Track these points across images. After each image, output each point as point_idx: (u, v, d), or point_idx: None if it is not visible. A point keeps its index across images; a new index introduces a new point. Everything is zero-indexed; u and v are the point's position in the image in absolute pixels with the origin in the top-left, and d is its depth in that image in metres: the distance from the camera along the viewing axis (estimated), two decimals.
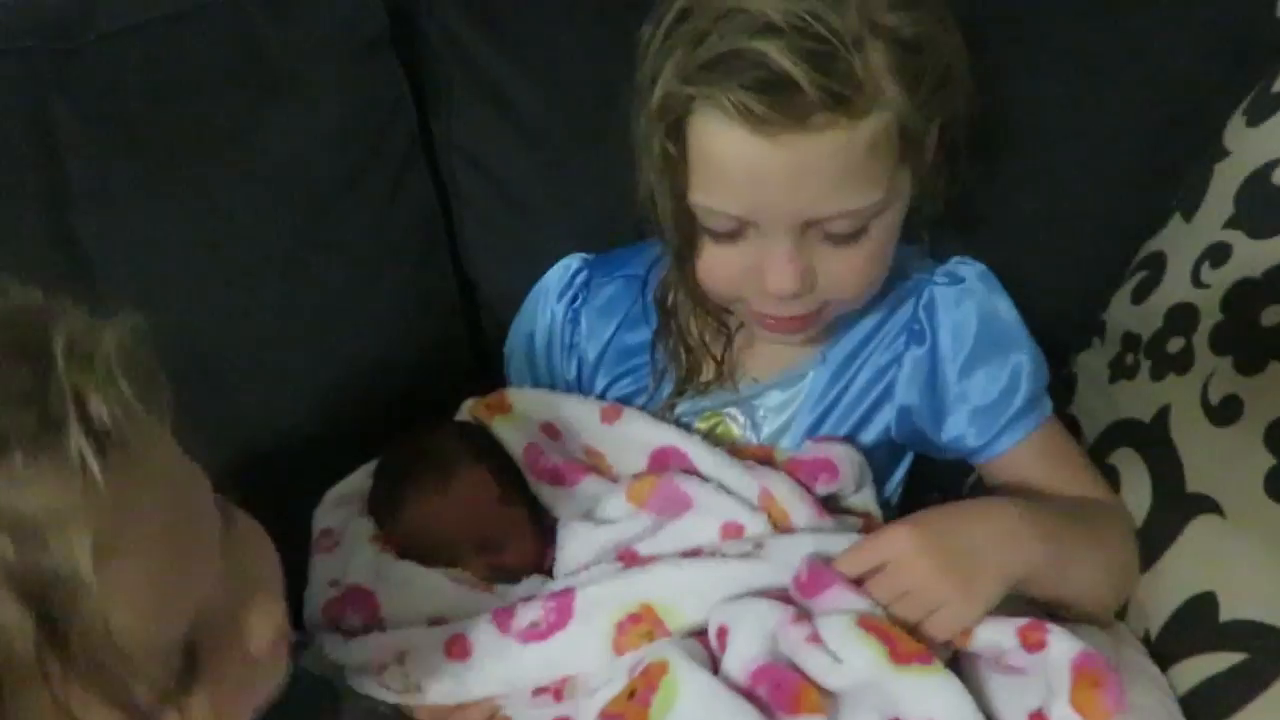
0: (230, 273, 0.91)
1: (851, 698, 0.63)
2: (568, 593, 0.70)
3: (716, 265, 0.75)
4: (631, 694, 0.64)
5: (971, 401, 0.82)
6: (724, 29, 0.66)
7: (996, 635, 0.66)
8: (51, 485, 0.40)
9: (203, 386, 0.97)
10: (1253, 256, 0.80)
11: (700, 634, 0.68)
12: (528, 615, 0.70)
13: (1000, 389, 0.82)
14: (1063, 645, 0.63)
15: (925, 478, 0.92)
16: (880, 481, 0.87)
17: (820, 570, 0.67)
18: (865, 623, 0.64)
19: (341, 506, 0.87)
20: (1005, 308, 0.85)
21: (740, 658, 0.64)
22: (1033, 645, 0.65)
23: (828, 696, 0.62)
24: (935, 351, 0.83)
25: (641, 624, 0.68)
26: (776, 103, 0.64)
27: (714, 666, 0.66)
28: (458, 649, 0.70)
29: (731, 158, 0.68)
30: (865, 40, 0.66)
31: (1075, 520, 0.75)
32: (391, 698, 0.73)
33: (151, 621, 0.43)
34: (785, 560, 0.69)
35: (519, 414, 0.87)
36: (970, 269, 0.85)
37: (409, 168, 0.99)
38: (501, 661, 0.69)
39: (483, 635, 0.70)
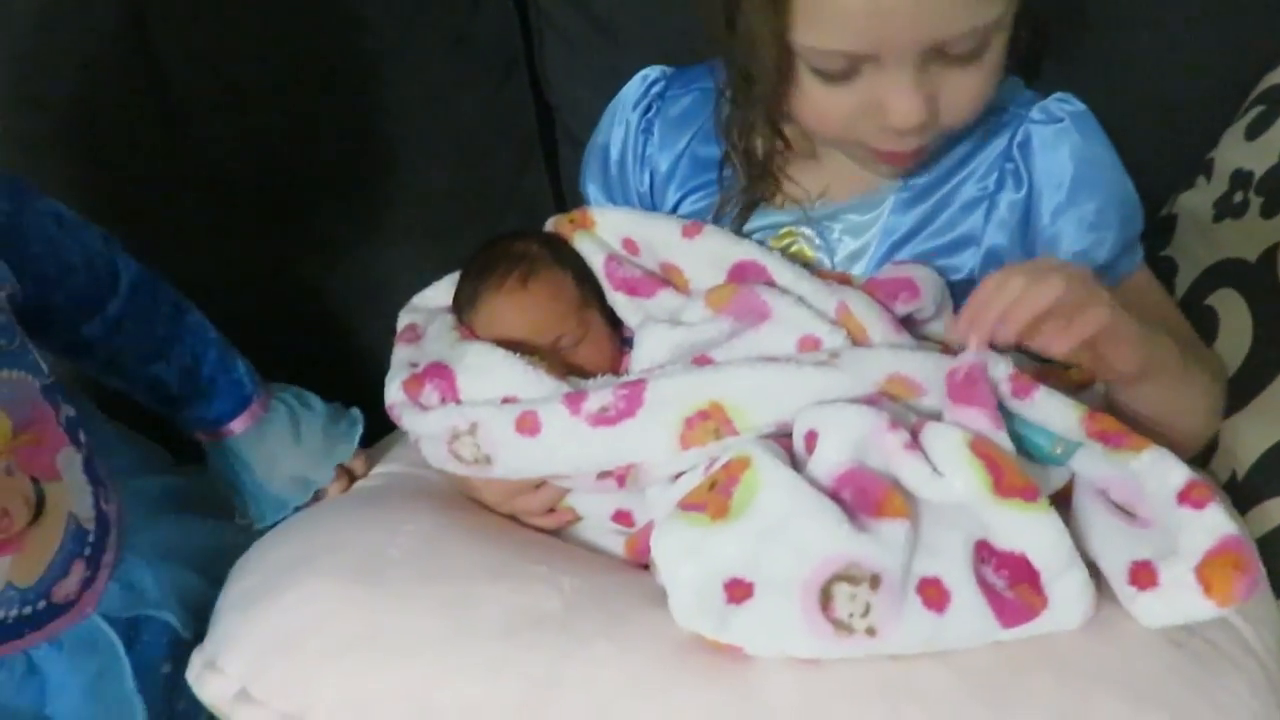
0: (300, 88, 0.91)
1: (939, 512, 0.61)
2: (639, 383, 0.70)
3: (827, 107, 0.71)
4: (713, 485, 0.63)
5: (1062, 246, 0.79)
6: None
7: (1163, 467, 0.62)
8: None
9: (277, 200, 0.98)
10: None
11: (776, 437, 0.68)
12: (598, 400, 0.70)
13: (1093, 236, 0.78)
14: (1219, 518, 0.59)
15: None
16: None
17: (976, 384, 0.64)
18: (979, 446, 0.61)
19: (424, 308, 0.89)
20: (1103, 151, 0.80)
21: (827, 462, 0.63)
22: (1192, 501, 0.60)
23: (912, 504, 0.61)
24: (1030, 196, 0.79)
25: (710, 420, 0.68)
26: None
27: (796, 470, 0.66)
28: (528, 425, 0.71)
29: None
30: None
31: (1171, 342, 0.72)
32: (461, 469, 0.74)
33: None
34: (860, 372, 0.68)
35: (601, 229, 0.86)
36: (1069, 107, 0.80)
37: None
38: (569, 442, 0.70)
39: (553, 415, 0.70)
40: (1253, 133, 0.86)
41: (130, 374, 0.84)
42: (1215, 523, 0.60)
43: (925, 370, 0.68)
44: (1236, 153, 0.87)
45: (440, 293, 0.89)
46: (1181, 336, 0.79)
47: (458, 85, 0.99)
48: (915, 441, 0.63)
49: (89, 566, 0.72)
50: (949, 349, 0.78)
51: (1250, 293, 0.80)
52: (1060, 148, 0.78)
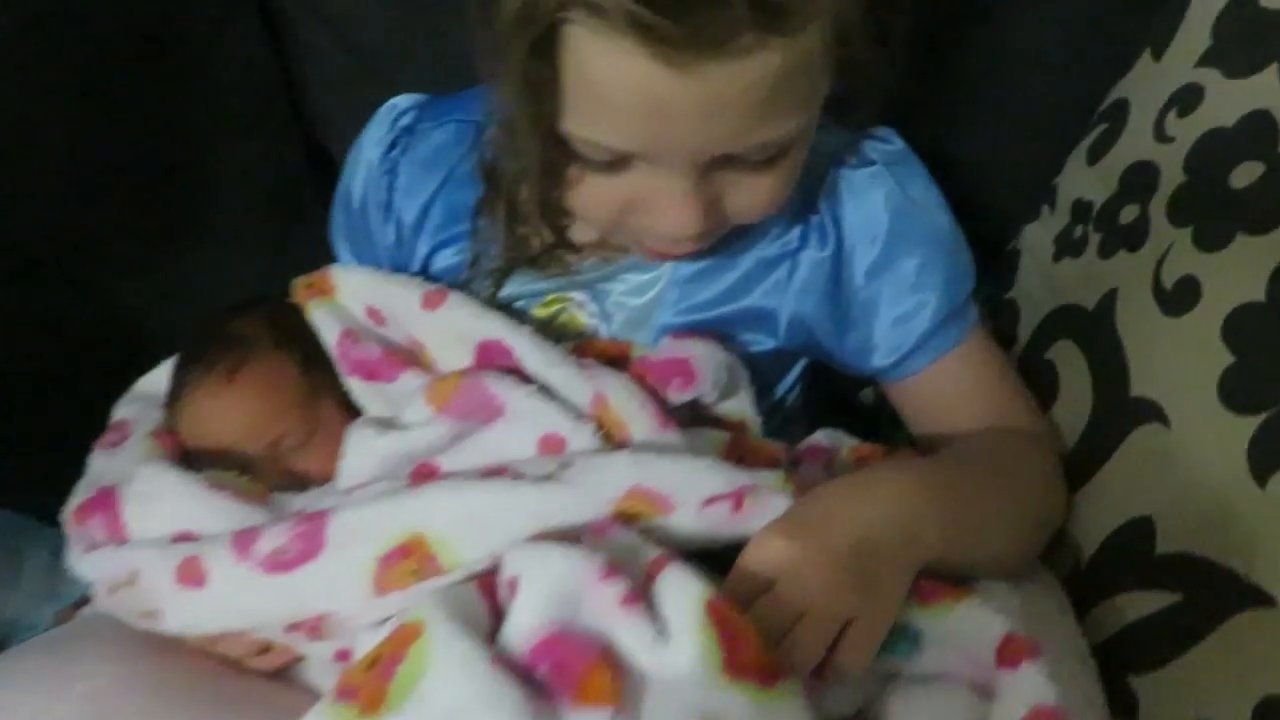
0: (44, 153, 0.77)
1: (662, 690, 0.47)
2: (320, 516, 0.57)
3: (595, 198, 0.59)
4: (373, 663, 0.50)
5: (880, 312, 0.68)
6: None
7: (980, 618, 0.53)
8: None
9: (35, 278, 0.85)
10: (1226, 101, 0.63)
11: (485, 576, 0.55)
12: (271, 540, 0.57)
13: (914, 298, 0.67)
14: (1036, 681, 0.50)
15: (829, 372, 0.77)
16: (767, 385, 0.73)
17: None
18: (717, 609, 0.48)
19: (145, 397, 0.75)
20: (925, 197, 0.69)
21: (523, 625, 0.50)
22: (1008, 660, 0.52)
23: (627, 682, 0.47)
24: (840, 255, 0.68)
25: (409, 559, 0.55)
26: (689, 22, 0.47)
27: (498, 623, 0.53)
28: (191, 575, 0.58)
29: (626, 88, 0.51)
30: None
31: (986, 473, 0.62)
32: (133, 621, 0.62)
33: None
34: (593, 487, 0.55)
35: (342, 296, 0.73)
36: (884, 147, 0.69)
37: (233, 17, 0.83)
38: (241, 592, 0.57)
39: (218, 561, 0.58)
40: (1094, 155, 0.74)
41: None
42: (1031, 687, 0.50)
43: (674, 481, 0.56)
44: (1079, 179, 0.76)
45: (164, 375, 0.75)
46: (1013, 413, 0.68)
47: (207, 122, 0.86)
48: (641, 593, 0.50)
49: None
50: (741, 436, 0.66)
51: (1089, 347, 0.68)
52: (873, 196, 0.67)
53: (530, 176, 0.60)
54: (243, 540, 0.57)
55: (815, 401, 0.81)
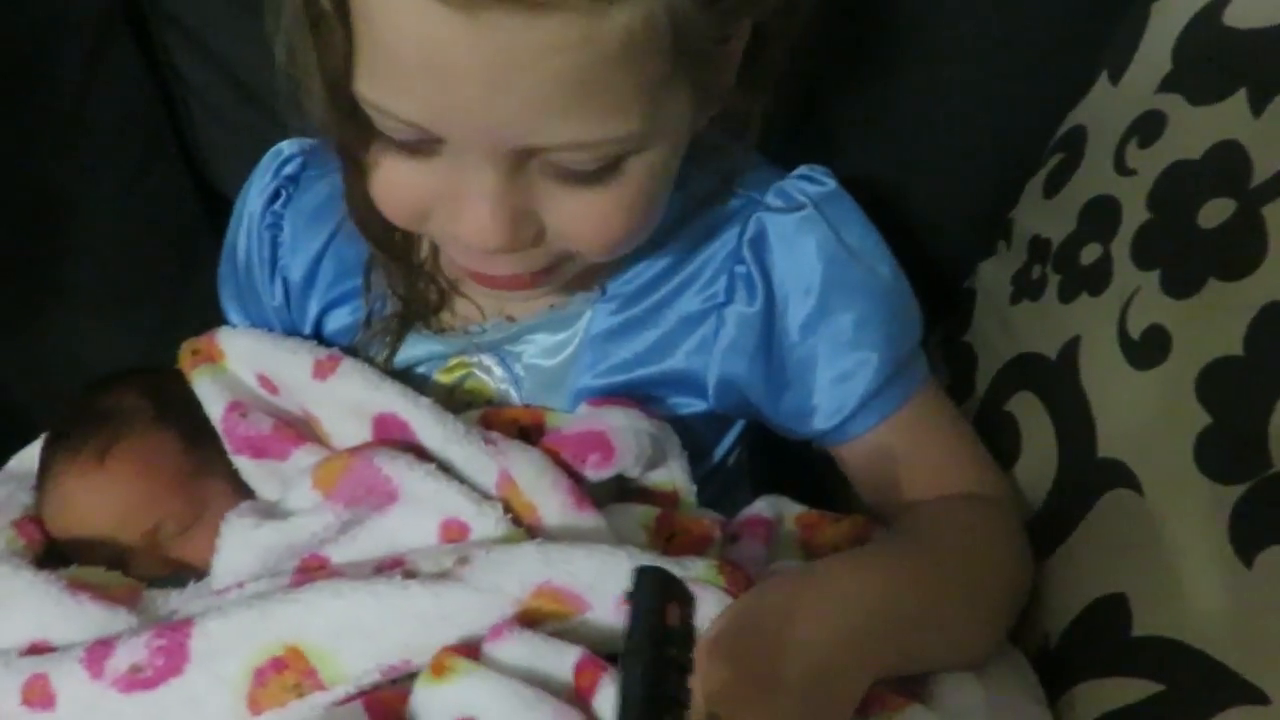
0: None
1: None
2: (183, 627, 0.50)
3: (394, 187, 0.52)
4: None
5: (818, 372, 0.61)
6: None
7: None
8: None
9: None
10: (1192, 130, 0.58)
11: (378, 692, 0.48)
12: (129, 655, 0.50)
13: (854, 356, 0.61)
14: None
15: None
16: (703, 450, 0.66)
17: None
18: None
19: (15, 478, 0.68)
20: (861, 240, 0.62)
21: None
22: None
23: None
24: (770, 309, 0.61)
25: (287, 673, 0.48)
26: None
27: None
28: (38, 696, 0.51)
29: (407, 32, 0.44)
30: None
31: (944, 555, 0.55)
32: None
33: None
34: (496, 585, 0.49)
35: (231, 362, 0.66)
36: (815, 188, 0.62)
37: (108, 49, 0.76)
38: (94, 716, 0.50)
39: (69, 679, 0.50)
40: (1051, 188, 0.69)
41: None
42: None
43: (588, 576, 0.50)
44: (1035, 214, 0.70)
45: (35, 454, 0.68)
46: (969, 478, 0.62)
47: (80, 171, 0.78)
48: None
49: None
50: (672, 510, 0.59)
51: (1052, 401, 0.63)
52: (803, 243, 0.60)
53: (335, 151, 0.54)
54: (96, 654, 0.50)
55: (760, 460, 0.75)
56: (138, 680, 0.49)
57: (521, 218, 0.49)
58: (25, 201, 0.77)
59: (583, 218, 0.50)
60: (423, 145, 0.49)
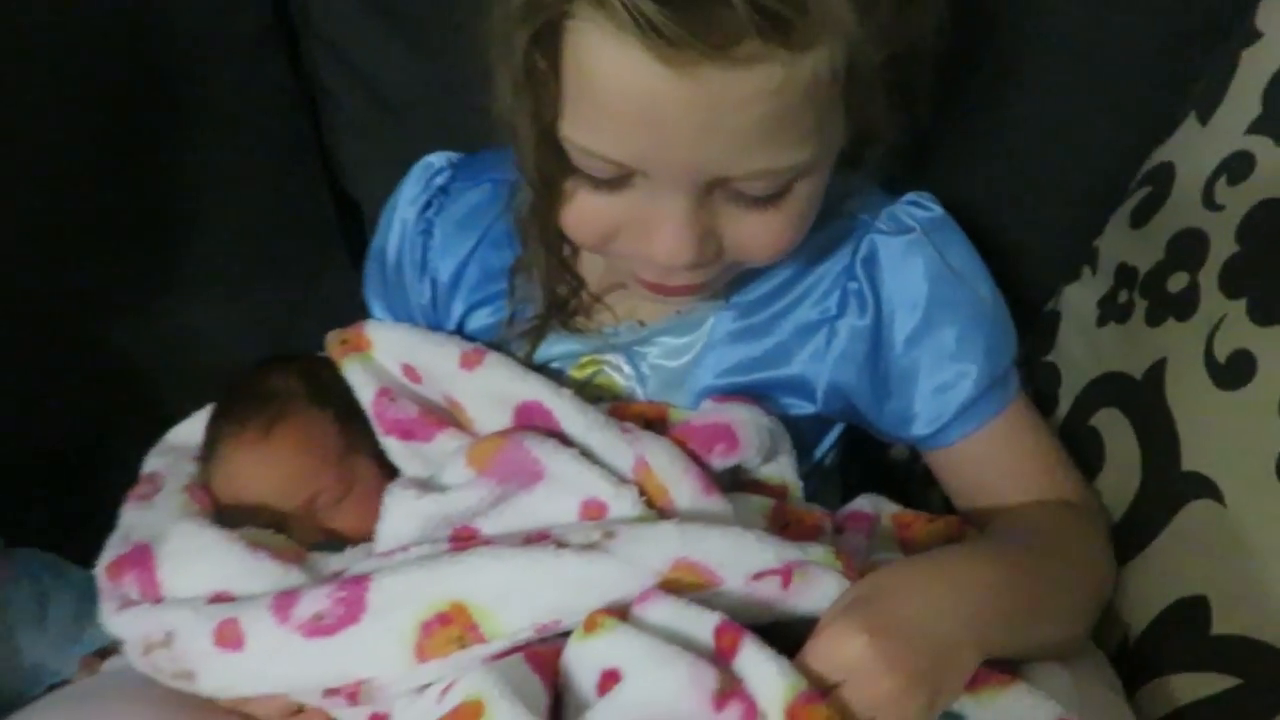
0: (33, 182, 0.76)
1: None
2: (361, 581, 0.56)
3: (586, 215, 0.58)
4: None
5: (920, 382, 0.67)
6: None
7: (1028, 705, 0.53)
8: None
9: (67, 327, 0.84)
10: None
11: (532, 646, 0.54)
12: (312, 605, 0.56)
13: (954, 368, 0.66)
14: None
15: (862, 432, 0.76)
16: (806, 448, 0.72)
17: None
18: (792, 711, 0.48)
19: (173, 452, 0.74)
20: (965, 263, 0.68)
21: (625, 717, 0.49)
22: None
23: None
24: (879, 323, 0.67)
25: (452, 626, 0.54)
26: (691, 19, 0.47)
27: (553, 694, 0.52)
28: (229, 637, 0.57)
29: (621, 88, 0.50)
30: None
31: (1043, 555, 0.60)
32: (165, 682, 0.61)
33: None
34: (637, 558, 0.54)
35: (377, 352, 0.72)
36: (922, 213, 0.68)
37: (263, 65, 0.83)
38: (280, 656, 0.56)
39: (258, 623, 0.57)
40: (1137, 219, 0.73)
41: None
42: None
43: (721, 554, 0.55)
44: (1121, 243, 0.75)
45: (195, 427, 0.75)
46: (1058, 487, 0.67)
47: (238, 173, 0.85)
48: (735, 688, 0.49)
49: None
50: (784, 501, 0.65)
51: (1136, 417, 0.67)
52: (911, 263, 0.66)
53: (530, 186, 0.59)
54: (283, 603, 0.56)
55: (851, 462, 0.80)
56: (320, 627, 0.55)
57: (706, 237, 0.56)
58: (177, 195, 0.84)
59: (758, 234, 0.57)
60: (618, 179, 0.55)
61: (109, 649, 0.76)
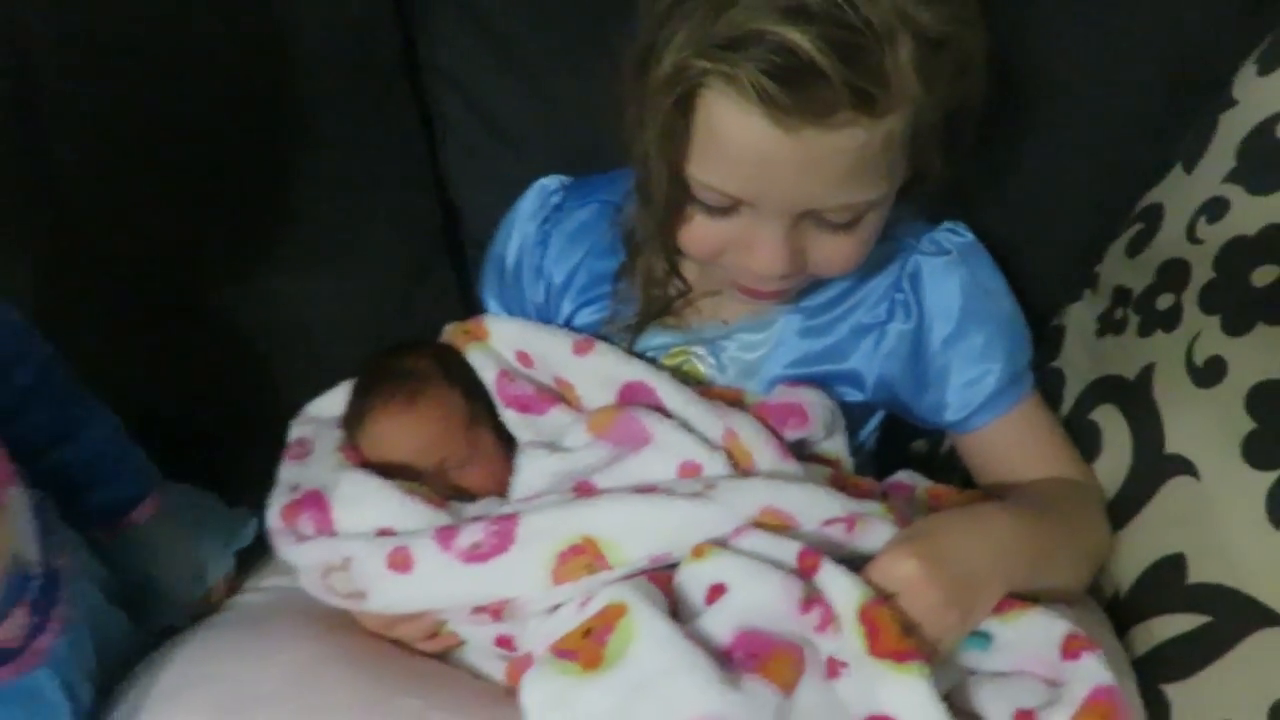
0: (205, 200, 0.90)
1: (843, 681, 0.61)
2: (511, 518, 0.69)
3: (702, 235, 0.73)
4: (587, 632, 0.63)
5: (952, 377, 0.81)
6: (751, 3, 0.61)
7: (1045, 622, 0.66)
8: None
9: (184, 315, 0.97)
10: (1249, 213, 0.77)
11: (652, 571, 0.68)
12: (470, 536, 0.69)
13: (981, 366, 0.81)
14: (1095, 668, 0.62)
15: (902, 423, 0.90)
16: (853, 430, 0.85)
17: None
18: (867, 611, 0.61)
19: (318, 419, 0.87)
20: (991, 282, 0.83)
21: (727, 622, 0.63)
22: (1070, 653, 0.64)
23: (801, 670, 0.61)
24: (920, 328, 0.81)
25: (582, 555, 0.67)
26: (801, 95, 0.61)
27: (671, 611, 0.65)
28: (400, 561, 0.70)
29: (743, 143, 0.65)
30: (897, 33, 0.63)
31: (1054, 517, 0.74)
32: (337, 601, 0.74)
33: None
34: (733, 503, 0.68)
35: (494, 341, 0.86)
36: (957, 239, 0.83)
37: (391, 90, 0.97)
38: (442, 578, 0.69)
39: (424, 550, 0.70)
40: (1133, 250, 0.88)
41: (34, 458, 0.77)
42: (1091, 672, 0.62)
43: (799, 504, 0.69)
44: (1118, 269, 0.89)
45: (333, 402, 0.88)
46: (1065, 466, 0.81)
47: (359, 182, 0.99)
48: (816, 596, 0.63)
49: (35, 613, 0.66)
50: (839, 471, 0.78)
51: (1129, 411, 0.81)
52: (949, 280, 0.80)
53: (656, 210, 0.73)
54: (444, 535, 0.69)
55: (882, 449, 0.94)
56: (476, 554, 0.69)
57: (795, 255, 0.70)
58: (308, 197, 0.97)
59: (836, 254, 0.72)
60: (729, 208, 0.69)
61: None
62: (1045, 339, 0.95)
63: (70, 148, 0.90)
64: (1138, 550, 0.77)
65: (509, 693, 0.73)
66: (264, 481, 0.82)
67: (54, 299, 0.94)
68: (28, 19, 0.87)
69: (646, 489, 0.71)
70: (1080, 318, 0.92)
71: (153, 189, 0.92)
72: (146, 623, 0.83)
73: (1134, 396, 0.81)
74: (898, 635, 0.60)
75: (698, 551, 0.66)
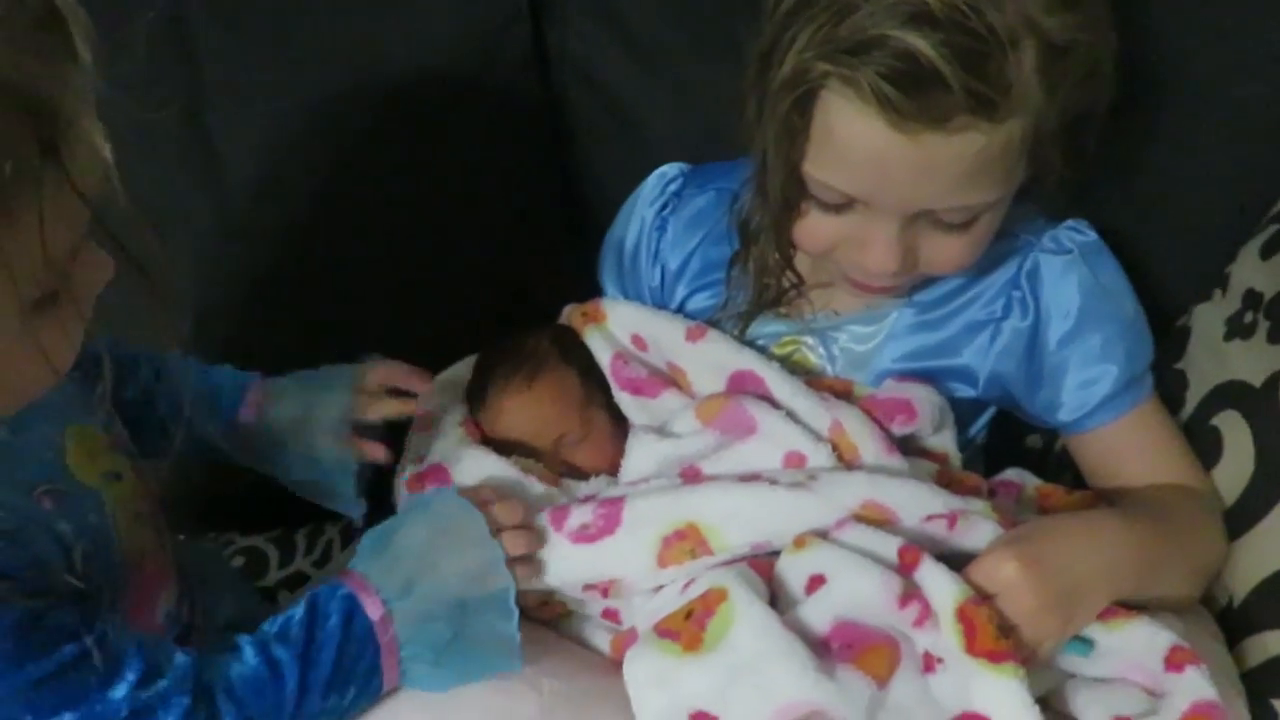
0: (349, 180, 0.95)
1: (938, 677, 0.63)
2: (618, 501, 0.72)
3: (816, 230, 0.74)
4: (689, 614, 0.66)
5: (1068, 377, 0.80)
6: (874, 8, 0.62)
7: (1150, 632, 0.66)
8: None
9: (324, 290, 1.03)
10: None
11: (753, 557, 0.70)
12: (579, 517, 0.72)
13: (1098, 368, 0.80)
14: (1199, 682, 0.62)
15: (1016, 418, 0.90)
16: (963, 426, 0.85)
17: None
18: (964, 610, 0.62)
19: (443, 392, 0.91)
20: (1112, 282, 0.82)
21: (826, 612, 0.64)
22: (1174, 664, 0.64)
23: (897, 662, 0.63)
24: (1037, 325, 0.81)
25: (686, 541, 0.70)
26: (920, 100, 0.62)
27: (770, 598, 0.67)
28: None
29: (861, 144, 0.66)
30: (1020, 39, 0.63)
31: (1166, 527, 0.73)
32: None
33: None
34: (834, 496, 0.69)
35: (611, 324, 0.88)
36: (1080, 237, 0.82)
37: (521, 79, 1.01)
38: (553, 557, 0.72)
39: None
40: (1267, 251, 0.85)
41: (170, 432, 0.81)
42: (1194, 686, 0.62)
43: (900, 499, 0.70)
44: (1250, 271, 0.86)
45: (460, 373, 0.91)
46: (1180, 473, 0.80)
47: (496, 167, 1.03)
48: (926, 614, 0.64)
49: None
50: (946, 467, 0.79)
51: (1253, 418, 0.79)
52: (1068, 279, 0.80)
53: (772, 205, 0.75)
54: (556, 515, 0.73)
55: (996, 445, 0.94)
56: (584, 535, 0.72)
57: (908, 253, 0.71)
58: (449, 181, 1.02)
59: (948, 253, 0.72)
60: (843, 205, 0.71)
61: None
62: (1171, 340, 0.93)
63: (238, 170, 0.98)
64: (1255, 561, 0.76)
65: (614, 664, 0.77)
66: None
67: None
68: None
69: (750, 478, 0.73)
70: (1207, 319, 0.90)
71: (308, 204, 0.99)
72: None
73: (1259, 404, 0.79)
74: (994, 635, 0.61)
75: (799, 542, 0.68)
